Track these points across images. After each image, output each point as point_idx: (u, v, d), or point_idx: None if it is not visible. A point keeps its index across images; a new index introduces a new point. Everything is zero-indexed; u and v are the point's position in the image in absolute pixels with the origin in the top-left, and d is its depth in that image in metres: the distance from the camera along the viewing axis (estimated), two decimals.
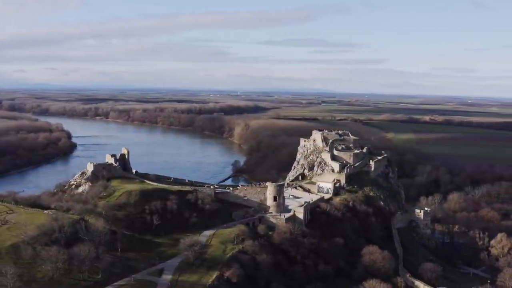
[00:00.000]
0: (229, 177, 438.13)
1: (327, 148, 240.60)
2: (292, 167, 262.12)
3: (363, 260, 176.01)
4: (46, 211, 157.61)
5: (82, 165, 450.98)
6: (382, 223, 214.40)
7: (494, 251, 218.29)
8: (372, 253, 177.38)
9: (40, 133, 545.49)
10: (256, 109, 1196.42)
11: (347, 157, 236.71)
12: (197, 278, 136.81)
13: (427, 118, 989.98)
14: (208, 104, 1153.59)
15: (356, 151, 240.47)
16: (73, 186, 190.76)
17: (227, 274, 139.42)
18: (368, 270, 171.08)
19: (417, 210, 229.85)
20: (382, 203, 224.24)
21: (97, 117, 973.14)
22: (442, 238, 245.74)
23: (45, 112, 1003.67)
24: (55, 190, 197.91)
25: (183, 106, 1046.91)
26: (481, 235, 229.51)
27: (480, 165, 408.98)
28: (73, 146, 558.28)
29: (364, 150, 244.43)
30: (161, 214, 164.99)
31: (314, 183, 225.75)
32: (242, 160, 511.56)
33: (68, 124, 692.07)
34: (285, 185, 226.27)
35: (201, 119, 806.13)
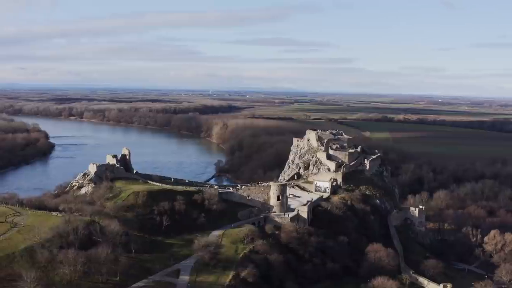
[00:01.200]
0: (212, 177, 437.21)
1: (322, 148, 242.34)
2: (287, 167, 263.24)
3: (368, 257, 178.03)
4: (54, 213, 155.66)
5: (62, 165, 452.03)
6: (379, 221, 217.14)
7: (487, 247, 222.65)
8: (377, 251, 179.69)
9: (18, 133, 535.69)
10: (230, 109, 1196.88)
11: (343, 156, 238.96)
12: (214, 278, 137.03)
13: (400, 117, 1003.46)
14: (182, 104, 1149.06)
15: (351, 150, 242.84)
16: (75, 187, 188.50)
17: (243, 274, 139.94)
18: (373, 268, 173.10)
19: (412, 208, 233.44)
20: (378, 201, 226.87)
21: (71, 117, 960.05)
22: (433, 235, 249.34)
23: (19, 112, 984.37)
24: (56, 192, 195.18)
25: (158, 105, 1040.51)
26: (473, 231, 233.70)
27: (461, 163, 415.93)
28: (51, 147, 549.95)
29: (358, 150, 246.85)
30: (170, 215, 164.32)
31: (310, 182, 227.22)
32: (222, 160, 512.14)
33: (43, 124, 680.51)
34: None
35: (178, 118, 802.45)
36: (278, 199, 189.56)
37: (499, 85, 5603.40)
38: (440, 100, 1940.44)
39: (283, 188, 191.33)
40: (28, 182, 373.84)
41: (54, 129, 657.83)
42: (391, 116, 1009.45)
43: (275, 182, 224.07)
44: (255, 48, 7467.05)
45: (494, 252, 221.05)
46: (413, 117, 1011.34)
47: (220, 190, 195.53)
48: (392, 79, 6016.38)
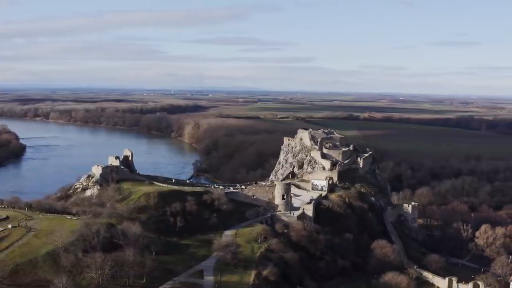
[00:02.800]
0: (191, 177, 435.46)
1: (316, 147, 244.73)
2: (279, 166, 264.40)
3: (374, 254, 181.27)
4: (68, 217, 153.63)
5: (37, 167, 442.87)
6: (377, 218, 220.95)
7: (479, 241, 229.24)
8: (382, 247, 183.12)
9: None
10: (196, 108, 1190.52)
11: (336, 155, 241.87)
12: (238, 278, 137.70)
13: (366, 115, 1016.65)
14: (148, 104, 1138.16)
15: (344, 149, 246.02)
16: (79, 190, 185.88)
17: (264, 273, 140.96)
18: (381, 264, 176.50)
19: (405, 205, 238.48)
20: (373, 199, 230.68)
21: (37, 118, 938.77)
22: (425, 231, 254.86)
23: None
24: (59, 194, 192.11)
25: (124, 105, 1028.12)
26: (464, 227, 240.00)
27: (437, 160, 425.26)
28: (23, 148, 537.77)
29: (351, 148, 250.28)
30: (182, 216, 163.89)
31: (307, 181, 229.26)
32: (197, 159, 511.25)
33: (10, 126, 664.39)
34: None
35: (147, 118, 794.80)
36: (283, 198, 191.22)
37: (458, 83, 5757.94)
38: (401, 98, 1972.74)
39: (287, 187, 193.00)
40: (5, 185, 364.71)
41: (22, 130, 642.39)
42: (357, 114, 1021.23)
43: (265, 181, 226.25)
44: (217, 47, 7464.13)
45: (486, 246, 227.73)
46: (378, 115, 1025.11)
47: (226, 190, 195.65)
48: (352, 77, 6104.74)
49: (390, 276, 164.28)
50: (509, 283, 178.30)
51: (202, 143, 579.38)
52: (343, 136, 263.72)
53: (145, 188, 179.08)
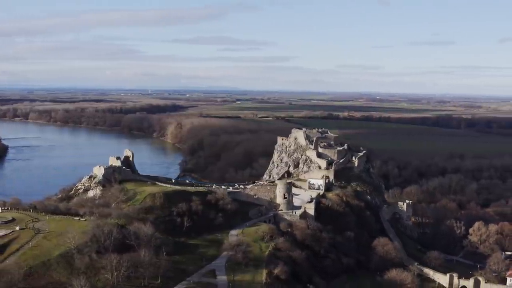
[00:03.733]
0: (178, 177, 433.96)
1: (311, 146, 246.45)
2: (274, 165, 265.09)
3: (377, 251, 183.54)
4: (76, 218, 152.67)
5: (21, 168, 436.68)
6: (374, 216, 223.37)
7: (473, 238, 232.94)
8: (384, 245, 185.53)
9: None
10: (175, 108, 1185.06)
11: (332, 154, 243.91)
12: (250, 277, 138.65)
13: (345, 114, 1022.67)
14: (127, 104, 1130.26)
15: (339, 148, 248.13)
16: (81, 191, 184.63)
17: (275, 271, 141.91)
18: (383, 261, 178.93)
19: (400, 203, 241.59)
20: (369, 197, 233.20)
21: (16, 118, 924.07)
22: (419, 228, 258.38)
23: None
24: (60, 195, 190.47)
25: (103, 105, 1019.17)
26: (457, 224, 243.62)
27: (422, 159, 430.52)
28: (5, 149, 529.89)
29: (345, 147, 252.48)
30: (188, 216, 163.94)
31: (304, 180, 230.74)
32: (180, 159, 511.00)
33: None
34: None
35: (128, 118, 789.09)
36: (284, 197, 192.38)
37: (434, 82, 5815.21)
38: (378, 97, 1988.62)
39: (289, 187, 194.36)
40: None
41: (3, 131, 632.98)
42: (336, 113, 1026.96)
43: (262, 180, 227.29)
44: (194, 47, 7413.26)
45: (479, 243, 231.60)
46: (357, 114, 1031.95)
47: (228, 190, 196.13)
48: (330, 77, 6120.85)
49: (394, 274, 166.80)
50: (506, 278, 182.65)
51: (186, 143, 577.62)
52: (337, 136, 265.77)
53: (150, 189, 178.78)
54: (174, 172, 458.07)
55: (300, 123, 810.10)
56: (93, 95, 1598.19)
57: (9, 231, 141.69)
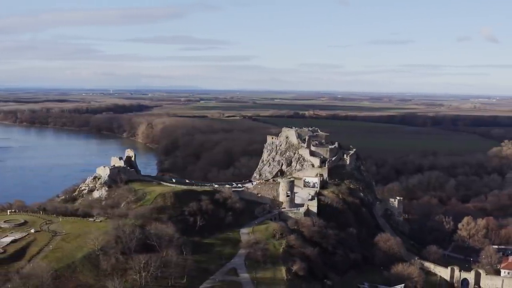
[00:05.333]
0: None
1: (304, 144, 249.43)
2: (266, 164, 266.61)
3: (380, 247, 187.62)
4: (91, 219, 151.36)
5: None
6: (369, 213, 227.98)
7: (462, 233, 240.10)
8: (386, 240, 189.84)
9: None
10: (140, 108, 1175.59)
11: (324, 152, 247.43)
12: (271, 274, 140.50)
13: (311, 112, 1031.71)
14: (92, 103, 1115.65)
15: (330, 146, 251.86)
16: (85, 191, 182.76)
17: (294, 268, 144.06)
18: (387, 256, 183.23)
19: (391, 199, 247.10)
20: (362, 194, 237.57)
21: None
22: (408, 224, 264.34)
23: None
24: (64, 197, 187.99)
25: (69, 105, 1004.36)
26: (446, 219, 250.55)
27: (396, 156, 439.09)
28: None
29: (336, 145, 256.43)
30: (200, 215, 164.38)
31: (299, 179, 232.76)
32: (154, 159, 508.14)
33: None
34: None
35: (97, 119, 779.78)
36: (287, 196, 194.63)
37: (392, 81, 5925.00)
38: (339, 96, 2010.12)
39: (291, 185, 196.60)
40: None
41: None
42: (302, 112, 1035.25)
43: (259, 178, 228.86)
44: (154, 46, 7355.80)
45: (468, 237, 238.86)
46: (323, 113, 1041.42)
47: (233, 189, 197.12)
48: (290, 76, 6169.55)
49: (400, 268, 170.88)
50: (500, 270, 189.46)
51: (159, 143, 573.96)
52: (328, 134, 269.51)
53: (158, 188, 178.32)
54: (151, 172, 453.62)
55: (268, 122, 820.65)
56: (54, 95, 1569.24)
57: (24, 233, 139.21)
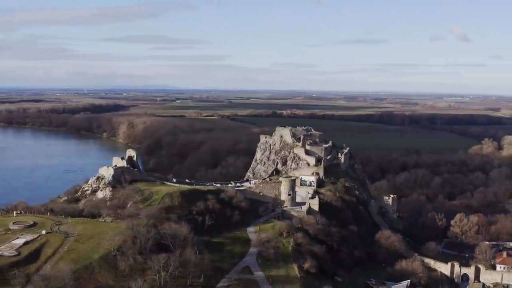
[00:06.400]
0: None
1: (299, 144, 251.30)
2: (261, 163, 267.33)
3: (381, 244, 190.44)
4: (101, 220, 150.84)
5: None
6: (366, 211, 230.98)
7: (455, 229, 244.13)
8: (387, 237, 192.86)
9: None
10: (117, 108, 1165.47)
11: (319, 151, 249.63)
12: (284, 272, 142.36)
13: (288, 112, 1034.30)
14: (68, 104, 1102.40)
15: (325, 145, 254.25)
16: (88, 192, 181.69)
17: (306, 266, 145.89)
18: (389, 252, 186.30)
19: (386, 197, 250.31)
20: (357, 192, 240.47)
21: None
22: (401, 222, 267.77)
23: None
24: (66, 197, 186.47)
25: (46, 105, 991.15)
26: (439, 216, 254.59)
27: (381, 154, 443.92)
28: None
29: (330, 144, 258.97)
30: (209, 215, 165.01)
31: (290, 177, 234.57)
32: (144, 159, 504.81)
33: None
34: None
35: (76, 119, 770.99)
36: (289, 194, 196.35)
37: (366, 80, 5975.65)
38: (314, 95, 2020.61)
39: (293, 184, 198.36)
40: None
41: None
42: (280, 111, 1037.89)
43: (258, 177, 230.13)
44: (128, 45, 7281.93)
45: (461, 233, 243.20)
46: (300, 112, 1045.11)
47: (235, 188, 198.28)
48: (265, 75, 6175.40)
49: (404, 264, 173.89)
50: (495, 265, 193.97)
51: (142, 143, 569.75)
52: (321, 133, 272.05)
53: (164, 188, 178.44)
54: None
55: (247, 122, 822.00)
56: (28, 95, 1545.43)
57: (35, 235, 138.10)
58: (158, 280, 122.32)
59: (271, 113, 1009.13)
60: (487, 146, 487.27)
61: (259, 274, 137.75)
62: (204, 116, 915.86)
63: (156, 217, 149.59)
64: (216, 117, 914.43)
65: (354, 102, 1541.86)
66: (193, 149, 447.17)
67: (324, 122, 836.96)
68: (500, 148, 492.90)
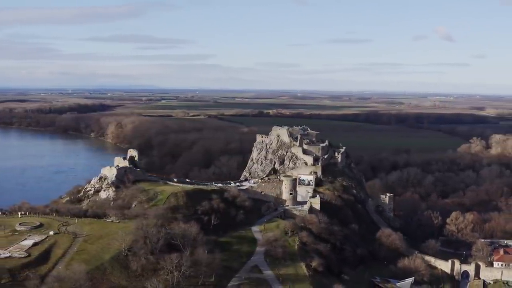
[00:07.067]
0: None
1: (296, 143, 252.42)
2: (258, 162, 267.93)
3: (383, 242, 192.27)
4: (108, 220, 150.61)
5: None
6: (364, 209, 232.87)
7: (450, 227, 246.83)
8: (388, 235, 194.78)
9: None
10: (103, 107, 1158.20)
11: (316, 150, 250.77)
12: (293, 270, 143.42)
13: (275, 111, 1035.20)
14: (54, 103, 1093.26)
15: (322, 144, 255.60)
16: (91, 192, 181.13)
17: (313, 264, 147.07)
18: (390, 250, 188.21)
19: (382, 196, 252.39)
20: (354, 191, 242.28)
21: None
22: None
23: None
24: (68, 197, 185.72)
25: (32, 105, 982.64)
26: (434, 214, 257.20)
27: (371, 153, 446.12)
28: None
29: (327, 143, 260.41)
30: (215, 215, 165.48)
31: (290, 177, 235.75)
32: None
33: None
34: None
35: (63, 119, 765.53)
36: (291, 193, 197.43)
37: (350, 80, 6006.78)
38: (299, 95, 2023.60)
39: (294, 183, 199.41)
40: None
41: None
42: (267, 111, 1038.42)
43: (256, 177, 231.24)
44: (112, 45, 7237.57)
45: (457, 231, 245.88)
46: (287, 111, 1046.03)
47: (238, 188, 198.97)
48: (248, 75, 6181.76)
49: (406, 262, 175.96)
50: (493, 263, 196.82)
51: (131, 143, 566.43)
52: (318, 133, 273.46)
53: (168, 188, 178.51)
54: None
55: (235, 121, 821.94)
56: (13, 95, 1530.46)
57: (43, 236, 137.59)
58: (170, 280, 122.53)
59: (257, 112, 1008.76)
60: (476, 145, 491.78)
61: (268, 273, 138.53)
62: (191, 116, 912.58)
63: (164, 217, 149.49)
64: (203, 116, 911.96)
65: (339, 101, 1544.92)
66: (184, 149, 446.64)
67: (312, 122, 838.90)
68: (488, 146, 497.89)
